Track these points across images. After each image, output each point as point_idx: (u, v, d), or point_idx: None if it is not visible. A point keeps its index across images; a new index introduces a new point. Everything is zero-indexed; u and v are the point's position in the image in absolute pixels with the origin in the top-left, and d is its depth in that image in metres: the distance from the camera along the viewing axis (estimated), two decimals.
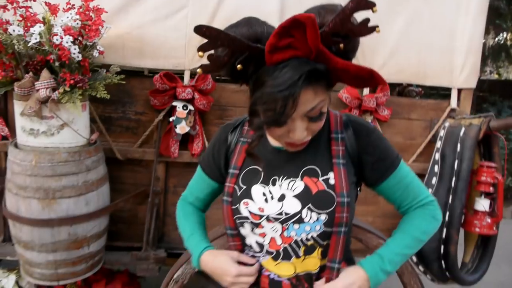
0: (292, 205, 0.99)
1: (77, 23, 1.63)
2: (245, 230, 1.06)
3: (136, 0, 1.90)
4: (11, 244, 1.97)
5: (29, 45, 1.58)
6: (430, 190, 1.98)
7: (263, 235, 1.04)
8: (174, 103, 1.92)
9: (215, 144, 1.14)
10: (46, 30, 1.59)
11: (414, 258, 2.03)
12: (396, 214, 2.20)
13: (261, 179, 1.03)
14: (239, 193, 1.04)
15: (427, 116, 2.14)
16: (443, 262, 1.93)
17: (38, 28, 1.57)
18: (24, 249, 1.73)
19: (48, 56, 1.60)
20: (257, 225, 1.03)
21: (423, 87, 2.77)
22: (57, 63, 1.61)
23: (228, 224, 1.08)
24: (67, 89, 1.60)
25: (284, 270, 1.05)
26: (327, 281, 1.02)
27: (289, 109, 0.81)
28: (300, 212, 0.99)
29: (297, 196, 0.99)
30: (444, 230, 1.88)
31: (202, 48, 0.83)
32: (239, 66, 0.85)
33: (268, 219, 1.01)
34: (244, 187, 1.04)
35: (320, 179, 1.00)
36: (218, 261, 1.07)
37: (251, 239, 1.07)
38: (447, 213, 1.87)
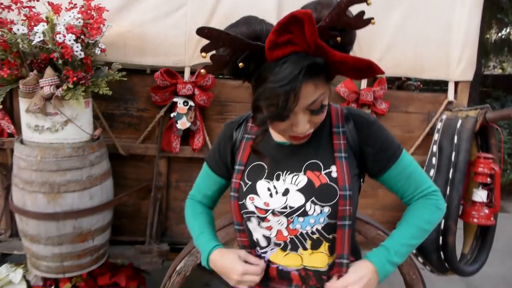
0: (296, 199, 1.02)
1: (79, 22, 1.68)
2: (252, 224, 1.09)
3: None
4: (18, 239, 2.02)
5: (33, 43, 1.62)
6: None
7: (269, 228, 1.07)
8: (175, 99, 1.96)
9: (220, 141, 1.16)
10: (49, 29, 1.63)
11: (414, 250, 2.06)
12: (395, 207, 2.25)
13: (265, 175, 1.05)
14: (244, 189, 1.07)
15: (424, 109, 2.16)
16: (442, 253, 1.96)
17: (41, 27, 1.61)
18: (30, 242, 1.77)
19: (51, 54, 1.64)
20: (263, 219, 1.05)
21: (422, 82, 2.80)
22: (60, 61, 1.66)
23: (235, 219, 1.11)
24: (71, 86, 1.64)
25: (292, 260, 1.07)
26: (339, 278, 1.03)
27: (291, 103, 0.83)
28: (304, 205, 1.01)
29: (300, 190, 1.02)
30: (443, 221, 1.90)
31: (204, 49, 0.86)
32: (240, 64, 0.87)
33: (273, 213, 1.04)
34: (250, 182, 1.06)
35: (323, 172, 1.02)
36: (225, 260, 1.09)
37: (258, 233, 1.10)
38: (445, 205, 1.89)
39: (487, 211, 1.94)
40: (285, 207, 1.02)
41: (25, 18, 1.67)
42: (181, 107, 1.94)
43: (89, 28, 1.70)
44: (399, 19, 2.07)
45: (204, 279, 3.00)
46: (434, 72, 2.14)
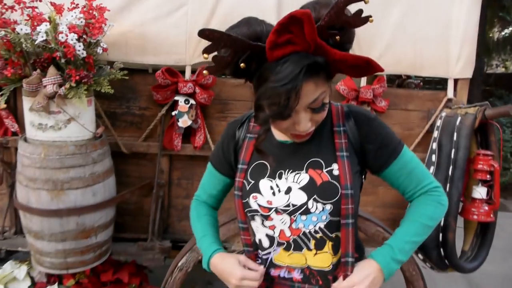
0: (299, 197, 1.03)
1: (81, 22, 1.70)
2: (256, 223, 1.11)
3: None
4: (22, 236, 2.05)
5: (36, 43, 1.65)
6: None
7: (272, 227, 1.08)
8: (176, 98, 1.98)
9: (224, 141, 1.18)
10: (52, 28, 1.66)
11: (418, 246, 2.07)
12: (396, 204, 2.26)
13: (268, 173, 1.07)
14: (248, 188, 1.08)
15: (424, 107, 2.17)
16: (442, 250, 1.97)
17: (44, 27, 1.64)
18: (34, 239, 1.80)
19: (54, 53, 1.67)
20: (267, 217, 1.07)
21: (424, 81, 2.80)
22: (63, 60, 1.68)
23: (239, 217, 1.13)
24: (73, 84, 1.67)
25: (296, 260, 1.09)
26: (344, 278, 1.04)
27: (292, 102, 0.85)
28: (306, 203, 1.03)
29: (302, 188, 1.03)
30: (442, 218, 1.91)
31: (206, 51, 0.87)
32: (242, 64, 0.89)
33: (276, 211, 1.05)
34: (253, 181, 1.08)
35: (324, 170, 1.03)
36: (225, 264, 1.10)
37: (261, 233, 1.11)
38: (447, 200, 1.90)
39: (486, 208, 1.95)
40: (288, 205, 1.04)
41: (28, 18, 1.70)
42: (182, 106, 1.97)
43: (91, 28, 1.73)
44: (398, 17, 2.08)
45: (206, 277, 3.03)
46: (434, 70, 2.14)
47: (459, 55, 2.12)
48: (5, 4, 1.70)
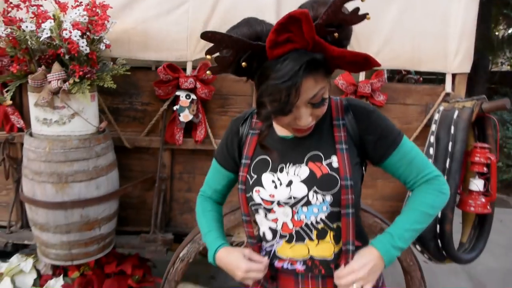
0: (299, 190, 1.07)
1: (85, 19, 1.75)
2: (260, 216, 1.15)
3: None
4: (28, 230, 2.10)
5: (41, 40, 1.69)
6: None
7: (275, 220, 1.12)
8: (178, 93, 2.02)
9: (227, 137, 1.22)
10: (56, 26, 1.71)
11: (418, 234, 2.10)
12: (394, 197, 2.28)
13: (270, 167, 1.10)
14: (251, 182, 1.12)
15: (422, 101, 2.19)
16: (439, 241, 1.99)
17: (49, 24, 1.68)
18: (40, 231, 1.85)
19: (58, 50, 1.71)
20: (270, 210, 1.11)
21: (426, 78, 2.82)
22: (67, 56, 1.73)
23: (243, 210, 1.17)
24: (77, 80, 1.71)
25: (299, 251, 1.12)
26: (345, 266, 1.07)
27: (293, 98, 0.88)
28: (307, 195, 1.06)
29: (303, 181, 1.07)
30: (443, 206, 1.93)
31: (209, 52, 0.91)
32: (243, 63, 0.92)
33: (278, 204, 1.09)
34: (255, 176, 1.12)
35: (324, 163, 1.07)
36: (231, 258, 1.14)
37: (265, 226, 1.15)
38: (449, 189, 1.92)
39: (483, 200, 1.97)
40: (290, 198, 1.08)
41: (33, 16, 1.74)
42: (183, 101, 2.01)
43: (94, 25, 1.77)
44: (396, 13, 2.10)
45: (210, 272, 3.07)
46: (432, 65, 2.16)
47: (457, 49, 2.13)
48: (11, 3, 1.74)
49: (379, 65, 0.91)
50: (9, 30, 1.70)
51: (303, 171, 1.07)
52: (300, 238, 1.11)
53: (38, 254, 1.98)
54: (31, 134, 1.85)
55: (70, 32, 1.67)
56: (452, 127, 1.98)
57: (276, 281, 1.17)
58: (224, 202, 1.34)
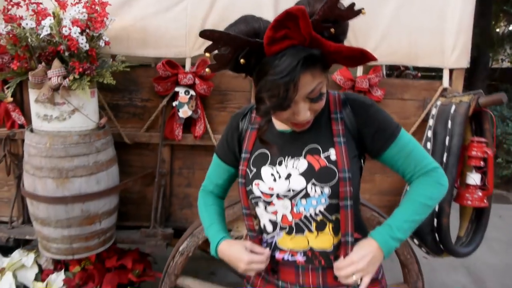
0: (298, 182, 1.08)
1: (84, 16, 1.77)
2: (260, 209, 1.17)
3: None
4: (29, 225, 2.13)
5: (40, 37, 1.72)
6: None
7: (275, 213, 1.14)
8: (177, 89, 2.04)
9: (228, 132, 1.24)
10: (56, 23, 1.73)
11: (417, 225, 2.11)
12: (392, 192, 2.30)
13: (269, 161, 1.12)
14: (250, 175, 1.14)
15: (420, 96, 2.20)
16: (436, 235, 2.01)
17: (48, 21, 1.71)
18: (41, 225, 1.87)
19: (58, 47, 1.73)
20: (269, 203, 1.13)
21: (425, 74, 2.84)
22: (66, 53, 1.75)
23: (243, 204, 1.19)
24: (77, 76, 1.74)
25: (299, 243, 1.13)
26: (345, 257, 1.08)
27: (291, 93, 0.89)
28: (305, 187, 1.08)
29: (302, 174, 1.08)
30: (441, 198, 1.95)
31: (207, 50, 0.92)
32: (242, 60, 0.92)
33: (278, 196, 1.11)
34: (255, 169, 1.13)
35: (322, 156, 1.08)
36: (233, 250, 1.16)
37: (265, 219, 1.17)
38: (447, 180, 1.93)
39: (480, 193, 1.98)
40: (288, 190, 1.09)
41: (33, 14, 1.76)
42: (182, 96, 2.03)
43: (93, 22, 1.79)
44: (393, 9, 2.10)
45: (210, 267, 3.09)
46: (429, 60, 2.17)
47: (454, 45, 2.14)
48: (11, 1, 1.76)
49: (375, 59, 0.92)
50: (9, 27, 1.73)
51: (302, 164, 1.09)
52: (299, 230, 1.12)
53: (39, 249, 2.00)
54: (32, 130, 1.87)
55: (70, 29, 1.69)
56: (449, 122, 1.99)
57: (277, 273, 1.19)
58: (225, 196, 1.36)
